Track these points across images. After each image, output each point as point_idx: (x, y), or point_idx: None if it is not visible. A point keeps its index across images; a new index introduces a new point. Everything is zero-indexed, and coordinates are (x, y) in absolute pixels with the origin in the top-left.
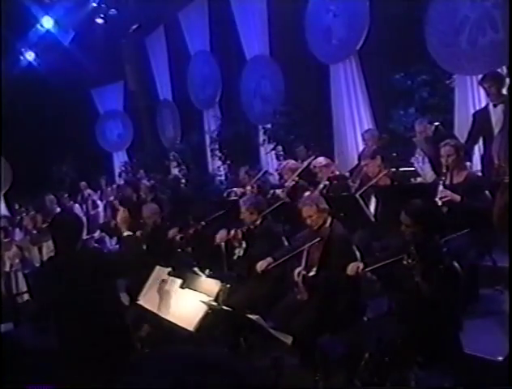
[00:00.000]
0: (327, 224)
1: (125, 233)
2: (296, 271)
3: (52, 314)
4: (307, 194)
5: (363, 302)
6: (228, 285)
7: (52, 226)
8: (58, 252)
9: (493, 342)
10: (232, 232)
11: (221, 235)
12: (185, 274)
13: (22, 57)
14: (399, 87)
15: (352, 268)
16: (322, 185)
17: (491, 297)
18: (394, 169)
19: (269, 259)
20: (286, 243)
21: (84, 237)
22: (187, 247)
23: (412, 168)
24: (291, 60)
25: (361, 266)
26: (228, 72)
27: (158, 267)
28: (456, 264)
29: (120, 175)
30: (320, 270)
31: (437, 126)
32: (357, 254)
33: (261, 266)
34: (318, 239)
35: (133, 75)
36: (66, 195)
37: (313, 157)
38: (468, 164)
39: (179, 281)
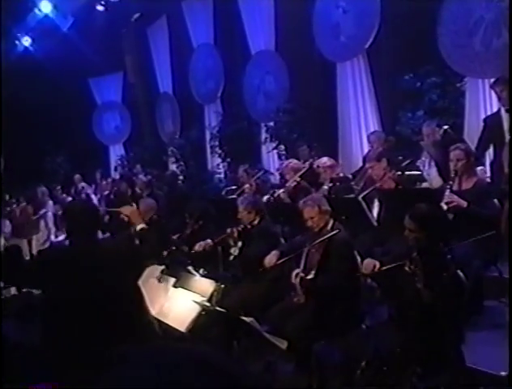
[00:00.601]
0: (329, 227)
1: (140, 226)
2: (294, 272)
3: (52, 308)
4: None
5: (362, 309)
6: (223, 286)
7: (67, 215)
8: (73, 243)
9: (497, 356)
10: (229, 230)
11: (199, 246)
12: (178, 273)
13: (18, 43)
14: (408, 88)
15: (367, 266)
16: (325, 187)
17: (496, 310)
18: (399, 173)
19: (276, 253)
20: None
21: None
22: (182, 245)
23: (418, 172)
24: (297, 56)
25: (378, 265)
26: (231, 66)
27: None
28: (460, 273)
29: (116, 169)
30: (319, 273)
31: (445, 130)
32: (358, 258)
33: (269, 261)
34: (337, 231)
35: (133, 66)
36: (59, 188)
37: (316, 158)
38: (481, 168)
39: (172, 280)
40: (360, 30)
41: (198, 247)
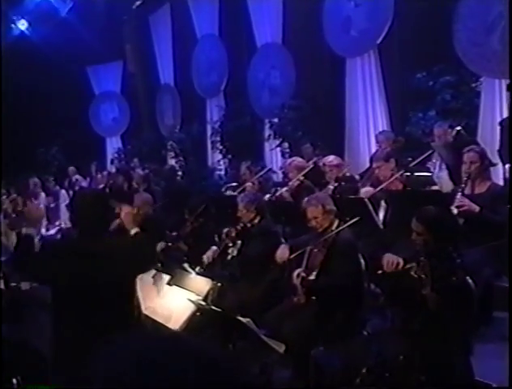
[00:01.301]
0: (333, 227)
1: (134, 231)
2: (296, 272)
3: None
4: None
5: (364, 315)
6: (219, 284)
7: (76, 204)
8: (82, 236)
9: (504, 370)
10: (226, 230)
11: (208, 257)
12: (173, 270)
13: (13, 26)
14: (420, 87)
15: (389, 263)
16: (331, 187)
17: (505, 321)
18: (408, 174)
19: (286, 246)
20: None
21: (68, 225)
22: (180, 242)
23: (428, 174)
24: (305, 50)
25: (401, 262)
26: (236, 59)
27: None
28: (469, 280)
29: (112, 162)
30: (320, 274)
31: (458, 131)
32: (362, 262)
33: (282, 256)
34: (355, 220)
35: (133, 55)
36: (52, 179)
37: (320, 157)
38: None
39: (167, 277)
40: (372, 24)
41: (206, 259)
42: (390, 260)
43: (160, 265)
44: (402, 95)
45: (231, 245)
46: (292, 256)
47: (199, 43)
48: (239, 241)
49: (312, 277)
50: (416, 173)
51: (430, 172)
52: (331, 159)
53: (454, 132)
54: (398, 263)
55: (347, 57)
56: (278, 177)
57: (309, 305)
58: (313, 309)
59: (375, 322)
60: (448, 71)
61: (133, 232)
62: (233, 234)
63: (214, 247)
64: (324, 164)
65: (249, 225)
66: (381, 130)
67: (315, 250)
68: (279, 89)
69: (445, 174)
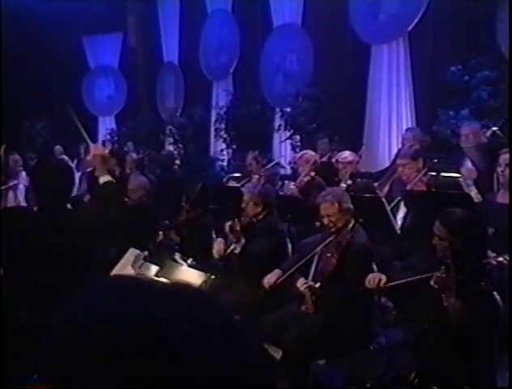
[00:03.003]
0: (348, 228)
1: (103, 179)
2: (302, 280)
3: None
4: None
5: (372, 329)
6: (213, 277)
7: (38, 174)
8: (43, 208)
9: None
10: (229, 224)
11: (218, 251)
12: (163, 261)
13: None
14: (454, 81)
15: (371, 280)
16: (344, 185)
17: None
18: (433, 173)
19: (278, 272)
20: (289, 245)
21: None
22: (171, 232)
23: (456, 175)
24: (326, 34)
25: (384, 279)
26: (248, 39)
27: (132, 249)
28: (497, 295)
29: (104, 144)
30: (332, 281)
31: (494, 132)
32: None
33: (269, 281)
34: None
35: (135, 28)
36: (35, 158)
37: (335, 152)
38: None
39: (155, 269)
40: (405, 8)
41: (217, 254)
42: (373, 277)
43: (147, 254)
44: (432, 89)
45: (234, 241)
46: (278, 281)
47: (209, 18)
48: (243, 239)
49: (318, 284)
50: (443, 174)
51: (460, 173)
52: (346, 155)
53: (488, 132)
54: (380, 280)
55: (373, 43)
56: (286, 172)
57: (312, 315)
58: (318, 319)
59: (386, 337)
60: (487, 66)
61: (102, 180)
62: (237, 228)
63: (220, 239)
64: (337, 161)
65: (254, 220)
66: (404, 126)
67: (328, 254)
68: (295, 75)
69: (471, 182)
